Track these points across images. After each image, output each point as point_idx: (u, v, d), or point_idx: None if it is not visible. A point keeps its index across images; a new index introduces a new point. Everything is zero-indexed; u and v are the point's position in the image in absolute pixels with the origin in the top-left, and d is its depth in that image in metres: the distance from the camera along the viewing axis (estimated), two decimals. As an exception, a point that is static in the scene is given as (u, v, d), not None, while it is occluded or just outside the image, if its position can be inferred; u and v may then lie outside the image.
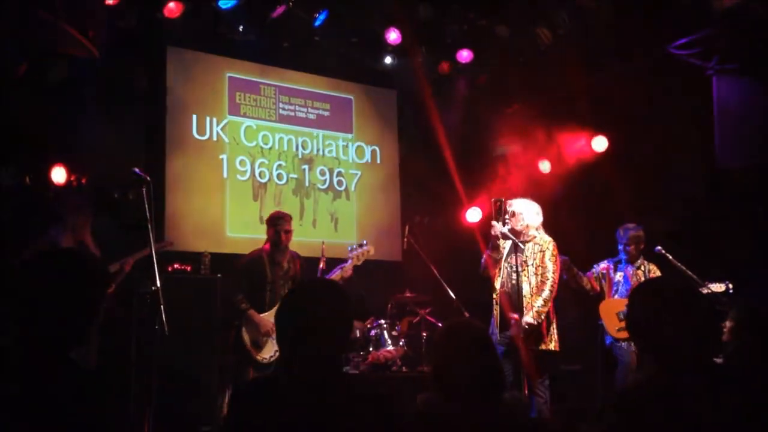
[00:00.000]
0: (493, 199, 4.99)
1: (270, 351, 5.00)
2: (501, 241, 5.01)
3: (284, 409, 1.95)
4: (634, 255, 5.79)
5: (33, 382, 1.68)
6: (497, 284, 5.08)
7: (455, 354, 2.34)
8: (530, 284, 4.91)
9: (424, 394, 2.42)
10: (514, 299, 4.83)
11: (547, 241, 5.01)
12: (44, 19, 4.52)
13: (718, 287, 5.54)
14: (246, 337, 4.96)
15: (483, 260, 5.19)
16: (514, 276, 4.80)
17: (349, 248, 5.52)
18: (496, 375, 2.34)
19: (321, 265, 5.81)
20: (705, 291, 5.47)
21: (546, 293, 4.84)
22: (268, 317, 5.01)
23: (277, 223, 5.27)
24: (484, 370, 2.31)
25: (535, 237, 5.02)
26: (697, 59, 6.38)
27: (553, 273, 4.92)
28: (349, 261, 5.40)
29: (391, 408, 2.05)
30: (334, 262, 5.75)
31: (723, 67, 6.34)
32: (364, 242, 5.58)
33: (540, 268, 4.93)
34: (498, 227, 4.88)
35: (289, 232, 5.30)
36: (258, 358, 4.96)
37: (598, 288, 5.81)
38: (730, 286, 5.52)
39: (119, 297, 5.36)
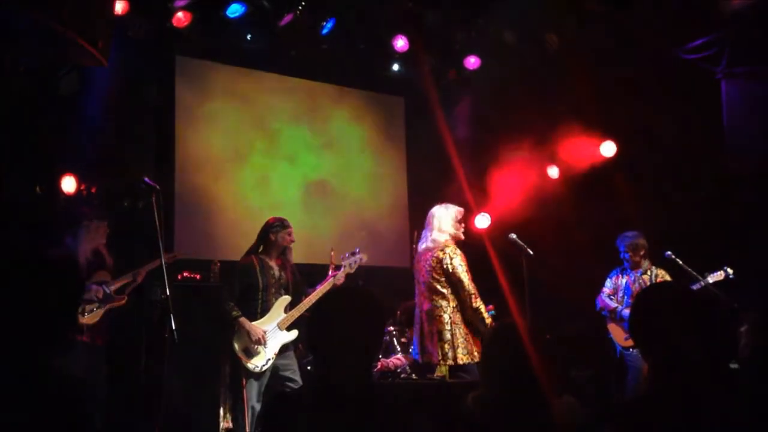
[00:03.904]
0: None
1: (262, 359, 4.84)
2: None
3: (319, 422, 1.92)
4: (635, 262, 5.80)
5: (3, 387, 1.63)
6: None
7: (513, 354, 2.33)
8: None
9: (475, 392, 2.40)
10: None
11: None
12: (53, 29, 4.55)
13: (717, 276, 5.48)
14: (236, 345, 4.80)
15: None
16: None
17: (342, 256, 5.39)
18: (554, 377, 2.32)
19: (330, 272, 5.80)
20: (703, 284, 5.42)
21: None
22: (260, 325, 4.90)
23: (277, 230, 5.08)
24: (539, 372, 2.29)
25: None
26: (705, 63, 6.35)
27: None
28: (342, 269, 5.28)
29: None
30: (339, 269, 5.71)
31: (732, 71, 6.31)
32: (357, 250, 5.43)
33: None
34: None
35: (291, 236, 5.13)
36: (249, 366, 4.79)
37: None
38: (730, 271, 5.45)
39: (130, 305, 5.37)
